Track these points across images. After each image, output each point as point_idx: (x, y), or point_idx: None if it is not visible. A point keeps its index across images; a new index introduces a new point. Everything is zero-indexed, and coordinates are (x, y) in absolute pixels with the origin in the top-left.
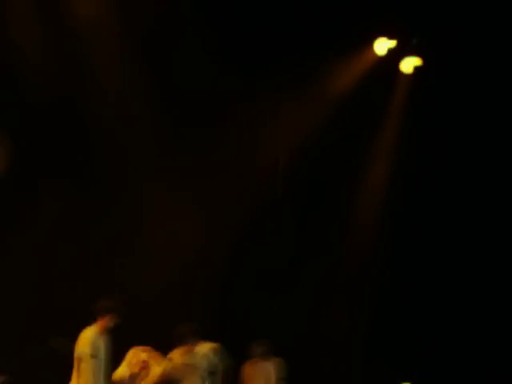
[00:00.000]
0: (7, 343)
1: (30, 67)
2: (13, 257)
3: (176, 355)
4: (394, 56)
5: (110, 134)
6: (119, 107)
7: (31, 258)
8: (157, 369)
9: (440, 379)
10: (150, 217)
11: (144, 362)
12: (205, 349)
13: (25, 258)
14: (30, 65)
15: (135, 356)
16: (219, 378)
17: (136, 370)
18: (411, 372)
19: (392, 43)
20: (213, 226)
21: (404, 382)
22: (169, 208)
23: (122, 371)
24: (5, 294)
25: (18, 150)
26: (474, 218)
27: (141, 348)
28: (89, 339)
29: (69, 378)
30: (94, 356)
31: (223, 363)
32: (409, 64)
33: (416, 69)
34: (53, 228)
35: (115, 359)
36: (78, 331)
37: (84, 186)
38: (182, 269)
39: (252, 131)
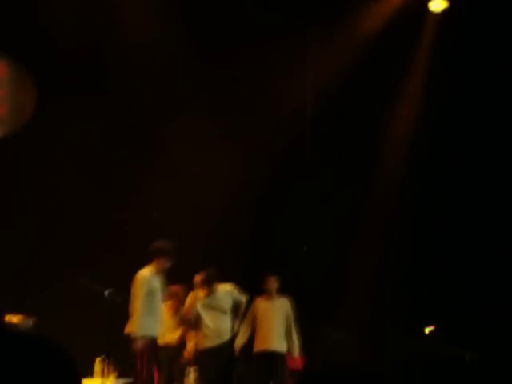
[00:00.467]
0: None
1: (55, 12)
2: (49, 191)
3: (200, 296)
4: None
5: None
6: (146, 43)
7: (64, 192)
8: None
9: (470, 323)
10: (178, 157)
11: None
12: (227, 287)
13: (58, 193)
14: (55, 10)
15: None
16: (242, 313)
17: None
18: (438, 315)
19: None
20: (239, 167)
21: (429, 326)
22: (195, 147)
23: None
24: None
25: (43, 95)
26: (505, 156)
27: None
28: (145, 279)
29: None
30: (148, 295)
31: (246, 298)
32: (438, 4)
33: (445, 10)
34: (81, 166)
35: None
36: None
37: (115, 125)
38: (207, 209)
39: (280, 73)
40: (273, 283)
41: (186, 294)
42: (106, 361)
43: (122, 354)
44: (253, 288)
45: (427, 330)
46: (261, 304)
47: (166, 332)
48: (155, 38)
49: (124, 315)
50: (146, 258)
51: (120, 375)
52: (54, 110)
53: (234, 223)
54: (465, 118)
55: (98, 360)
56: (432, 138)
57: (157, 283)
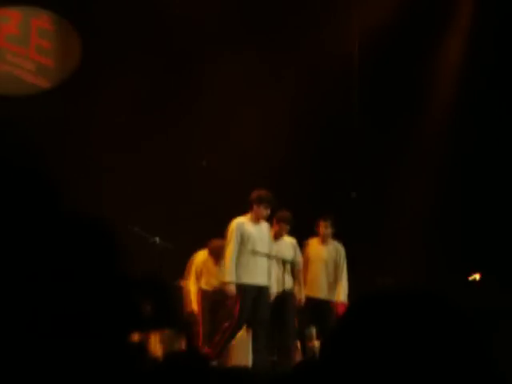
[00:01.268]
0: None
1: None
2: (98, 139)
3: None
4: None
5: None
6: None
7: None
8: None
9: None
10: (225, 102)
11: None
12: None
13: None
14: None
15: None
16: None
17: None
18: (484, 263)
19: None
20: (287, 112)
21: (475, 274)
22: (243, 91)
23: None
24: None
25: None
26: None
27: None
28: (236, 225)
29: None
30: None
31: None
32: None
33: None
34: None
35: None
36: None
37: (161, 73)
38: (256, 156)
39: (327, 17)
40: (327, 228)
41: None
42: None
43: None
44: (304, 233)
45: (475, 277)
46: (313, 248)
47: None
48: None
49: (172, 262)
50: (197, 206)
51: None
52: (100, 61)
53: (284, 170)
54: None
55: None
56: (479, 83)
57: (252, 230)
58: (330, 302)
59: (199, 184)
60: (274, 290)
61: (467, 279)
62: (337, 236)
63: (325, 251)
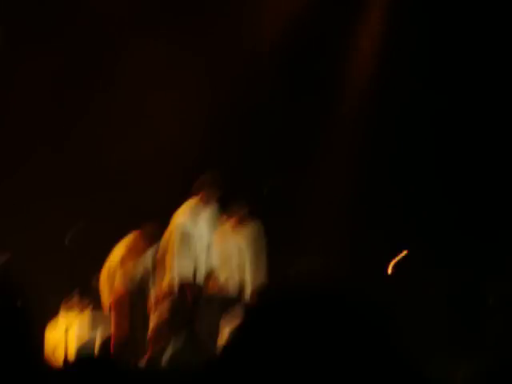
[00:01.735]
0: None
1: None
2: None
3: None
4: None
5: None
6: None
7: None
8: None
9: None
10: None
11: None
12: None
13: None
14: None
15: None
16: None
17: None
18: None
19: None
20: (198, 101)
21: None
22: (151, 78)
23: None
24: None
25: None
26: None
27: None
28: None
29: None
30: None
31: None
32: None
33: None
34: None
35: None
36: None
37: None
38: (166, 147)
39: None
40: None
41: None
42: (81, 295)
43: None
44: None
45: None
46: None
47: None
48: None
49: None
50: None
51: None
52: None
53: (193, 161)
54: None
55: (73, 295)
56: (393, 72)
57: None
58: None
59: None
60: None
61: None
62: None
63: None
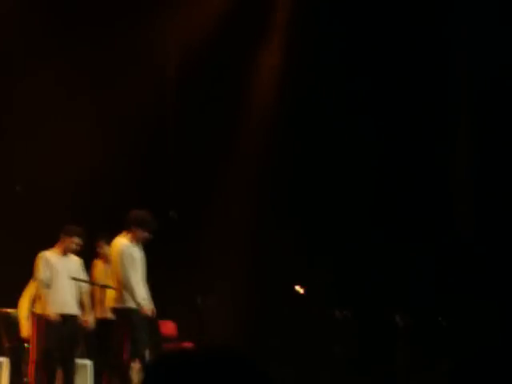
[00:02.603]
0: None
1: None
2: None
3: None
4: None
5: None
6: None
7: None
8: None
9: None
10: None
11: None
12: None
13: None
14: None
15: None
16: None
17: None
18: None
19: None
20: (100, 134)
21: (299, 286)
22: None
23: None
24: None
25: None
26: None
27: None
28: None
29: None
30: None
31: None
32: None
33: None
34: None
35: None
36: None
37: None
38: (70, 179)
39: (140, 39)
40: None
41: None
42: None
43: None
44: None
45: (298, 289)
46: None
47: None
48: None
49: None
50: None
51: None
52: None
53: (99, 194)
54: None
55: None
56: (293, 104)
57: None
58: None
59: (14, 210)
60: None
61: (292, 291)
62: (157, 255)
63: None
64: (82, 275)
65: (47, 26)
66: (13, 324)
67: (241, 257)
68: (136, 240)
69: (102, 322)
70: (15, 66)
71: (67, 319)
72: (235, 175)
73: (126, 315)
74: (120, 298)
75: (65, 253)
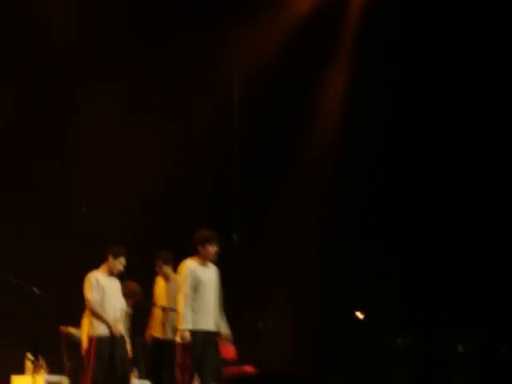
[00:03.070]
0: None
1: None
2: None
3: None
4: None
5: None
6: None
7: None
8: None
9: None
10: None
11: None
12: None
13: None
14: None
15: None
16: None
17: None
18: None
19: None
20: (166, 155)
21: (359, 312)
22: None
23: None
24: None
25: None
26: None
27: None
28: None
29: None
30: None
31: None
32: None
33: None
34: None
35: None
36: None
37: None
38: (136, 199)
39: (205, 63)
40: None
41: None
42: (36, 357)
43: (53, 351)
44: None
45: (359, 315)
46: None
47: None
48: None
49: (54, 311)
50: (80, 254)
51: (51, 372)
52: None
53: (164, 214)
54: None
55: (27, 356)
56: (359, 128)
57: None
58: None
59: (80, 230)
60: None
61: (353, 316)
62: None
63: None
64: (121, 296)
65: (113, 47)
66: (75, 343)
67: (302, 280)
68: (204, 259)
69: (161, 343)
70: (80, 88)
71: (118, 339)
72: (299, 198)
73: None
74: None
75: (111, 273)
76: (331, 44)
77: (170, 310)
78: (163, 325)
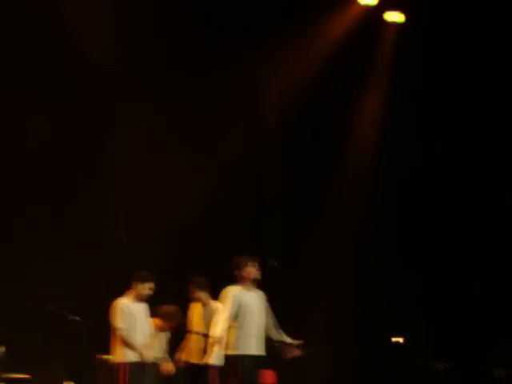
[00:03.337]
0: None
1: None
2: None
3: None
4: (380, 6)
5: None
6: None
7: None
8: None
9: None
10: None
11: None
12: None
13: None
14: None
15: None
16: None
17: None
18: (407, 325)
19: None
20: (199, 183)
21: (397, 337)
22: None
23: None
24: None
25: None
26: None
27: None
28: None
29: None
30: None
31: None
32: (393, 15)
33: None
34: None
35: None
36: None
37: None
38: (172, 226)
39: (242, 88)
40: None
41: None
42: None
43: (90, 378)
44: None
45: (395, 340)
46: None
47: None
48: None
49: (91, 338)
50: (119, 282)
51: None
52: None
53: (201, 240)
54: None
55: None
56: (395, 150)
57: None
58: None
59: (118, 258)
60: None
61: (390, 341)
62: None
63: None
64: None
65: (150, 70)
66: (111, 370)
67: (341, 305)
68: (248, 281)
69: (199, 368)
70: (117, 112)
71: (148, 366)
72: (336, 220)
73: (234, 362)
74: (227, 345)
75: (138, 299)
76: (366, 66)
77: (208, 336)
78: (203, 351)
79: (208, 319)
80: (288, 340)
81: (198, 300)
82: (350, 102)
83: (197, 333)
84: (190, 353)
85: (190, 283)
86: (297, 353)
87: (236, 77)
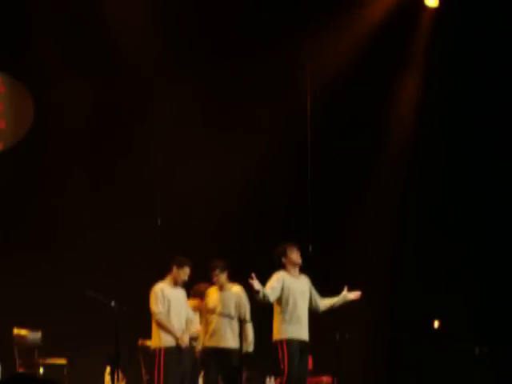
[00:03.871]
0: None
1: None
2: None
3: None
4: None
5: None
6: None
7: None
8: None
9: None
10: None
11: None
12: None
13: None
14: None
15: None
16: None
17: None
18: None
19: None
20: (234, 163)
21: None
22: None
23: None
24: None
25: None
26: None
27: None
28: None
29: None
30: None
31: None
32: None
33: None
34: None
35: None
36: None
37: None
38: (208, 211)
39: (278, 72)
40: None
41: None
42: (115, 371)
43: (130, 364)
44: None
45: (435, 323)
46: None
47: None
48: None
49: (130, 325)
50: (155, 267)
51: None
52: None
53: (237, 227)
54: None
55: (107, 370)
56: (432, 134)
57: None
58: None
59: (154, 243)
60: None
61: (429, 325)
62: None
63: None
64: (187, 306)
65: (187, 56)
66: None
67: (378, 289)
68: (292, 267)
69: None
70: (156, 96)
71: (185, 350)
72: (375, 204)
73: (282, 347)
74: (274, 330)
75: (176, 284)
76: (404, 49)
77: (228, 317)
78: (224, 333)
79: (228, 302)
80: (339, 296)
81: (218, 283)
82: (389, 85)
83: (220, 314)
84: (220, 337)
85: (212, 266)
86: (356, 294)
87: (273, 62)
